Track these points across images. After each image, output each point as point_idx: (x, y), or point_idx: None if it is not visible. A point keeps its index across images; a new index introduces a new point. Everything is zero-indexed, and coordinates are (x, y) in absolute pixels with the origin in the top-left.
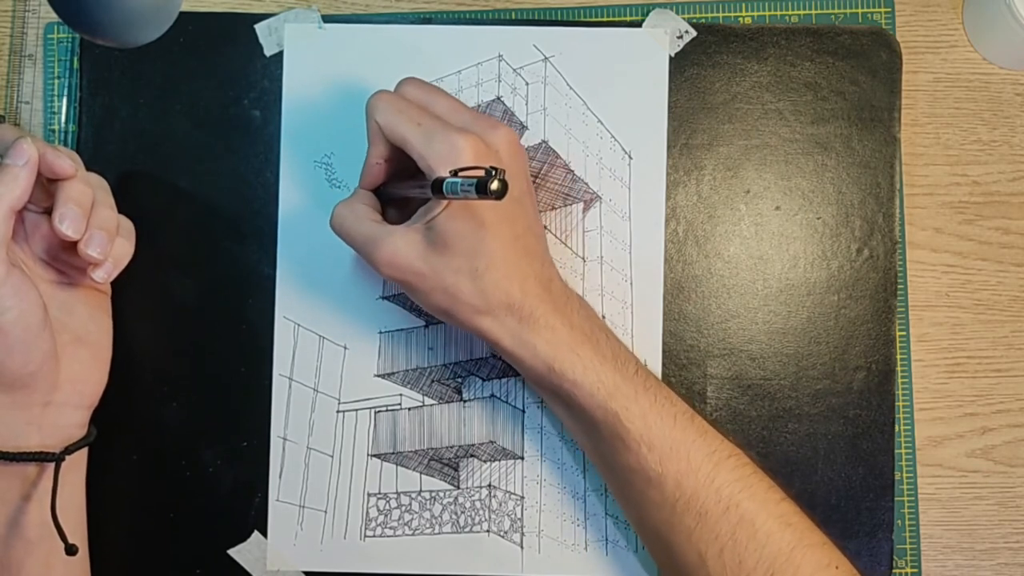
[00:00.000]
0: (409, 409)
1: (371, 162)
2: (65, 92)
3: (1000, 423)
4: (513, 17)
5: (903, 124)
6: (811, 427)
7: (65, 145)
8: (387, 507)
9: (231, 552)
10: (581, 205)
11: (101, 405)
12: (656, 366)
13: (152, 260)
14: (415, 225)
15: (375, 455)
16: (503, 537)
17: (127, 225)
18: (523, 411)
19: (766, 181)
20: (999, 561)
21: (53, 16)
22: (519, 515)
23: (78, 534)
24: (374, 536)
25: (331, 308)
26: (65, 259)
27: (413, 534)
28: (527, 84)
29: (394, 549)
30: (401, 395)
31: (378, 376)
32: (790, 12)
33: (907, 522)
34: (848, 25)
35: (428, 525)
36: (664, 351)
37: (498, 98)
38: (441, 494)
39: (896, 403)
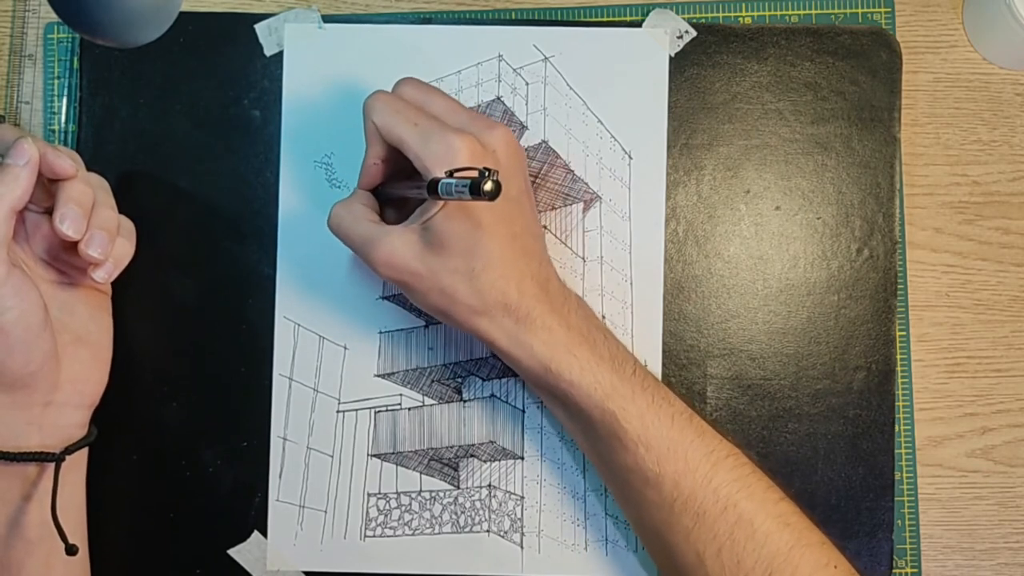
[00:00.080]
0: (409, 409)
1: (368, 162)
2: (65, 92)
3: (1000, 423)
4: (513, 17)
5: (903, 124)
6: (811, 427)
7: (65, 145)
8: (387, 507)
9: (231, 552)
10: (581, 205)
11: (101, 405)
12: (656, 366)
13: (152, 260)
14: (412, 225)
15: (375, 455)
16: (503, 537)
17: (128, 225)
18: (523, 411)
19: (766, 181)
20: (999, 561)
21: (53, 16)
22: (519, 515)
23: (78, 534)
24: (374, 536)
25: (331, 308)
26: (66, 259)
27: (413, 534)
28: (527, 84)
29: (394, 549)
30: (401, 395)
31: (378, 376)
32: (790, 12)
33: (907, 522)
34: (848, 25)
35: (428, 525)
36: (664, 351)
37: (498, 98)
38: (441, 494)
39: (896, 403)
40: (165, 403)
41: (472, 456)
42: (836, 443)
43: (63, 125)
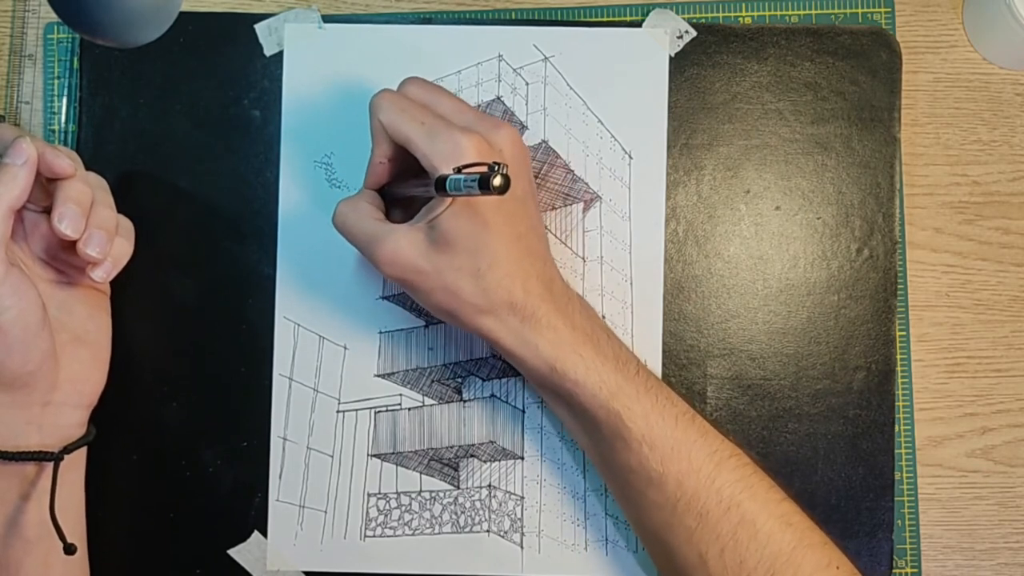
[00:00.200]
0: (409, 409)
1: (375, 161)
2: (65, 92)
3: (1000, 423)
4: (513, 17)
5: (903, 124)
6: (811, 427)
7: (65, 145)
8: (387, 507)
9: (231, 552)
10: (581, 205)
11: (101, 405)
12: (656, 366)
13: (152, 260)
14: (418, 224)
15: (375, 455)
16: (503, 537)
17: (126, 225)
18: (523, 411)
19: (766, 181)
20: (999, 561)
21: (53, 16)
22: (519, 515)
23: (77, 534)
24: (374, 536)
25: (331, 308)
26: (64, 258)
27: (413, 534)
28: (527, 84)
29: (394, 549)
30: (401, 395)
31: (378, 376)
32: (790, 12)
33: (907, 522)
34: (848, 25)
35: (428, 525)
36: (664, 351)
37: (498, 98)
38: (441, 494)
39: (896, 403)
40: (165, 403)
41: (472, 456)
42: (836, 443)
43: (63, 125)
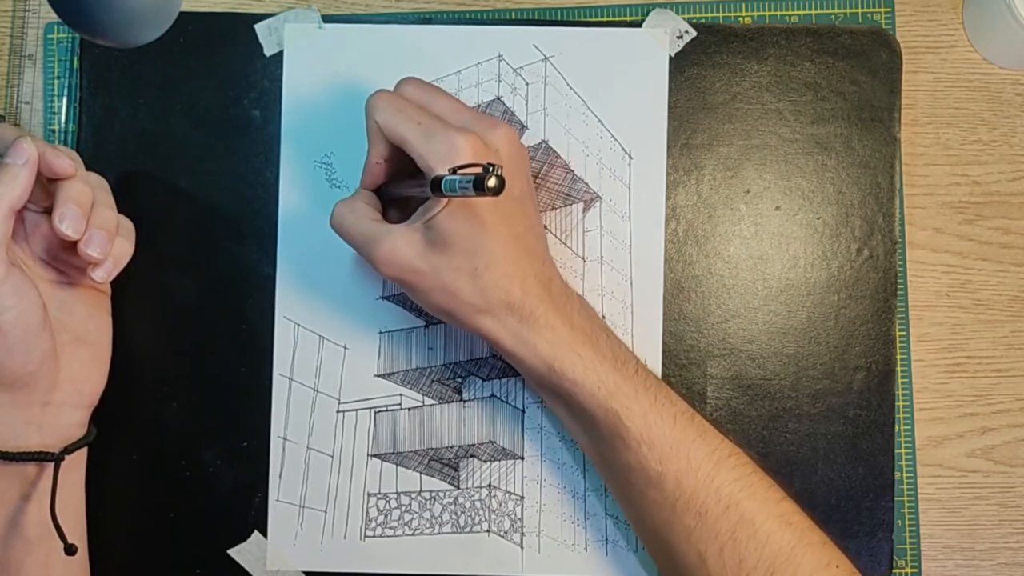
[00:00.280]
0: (409, 409)
1: (371, 162)
2: (65, 92)
3: (1000, 423)
4: (513, 17)
5: (903, 124)
6: (811, 427)
7: (65, 145)
8: (387, 507)
9: (231, 552)
10: (581, 205)
11: (101, 405)
12: (656, 366)
13: (152, 260)
14: (415, 224)
15: (375, 455)
16: (503, 537)
17: (127, 225)
18: (523, 411)
19: (766, 181)
20: (999, 561)
21: (53, 16)
22: (519, 515)
23: (77, 534)
24: (374, 536)
25: (331, 308)
26: (65, 259)
27: (413, 534)
28: (527, 84)
29: (394, 549)
30: (401, 395)
31: (378, 376)
32: (790, 12)
33: (907, 522)
34: (848, 25)
35: (428, 525)
36: (664, 351)
37: (498, 98)
38: (441, 494)
39: (896, 403)
40: (165, 403)
41: (472, 456)
42: (836, 443)
43: (63, 125)
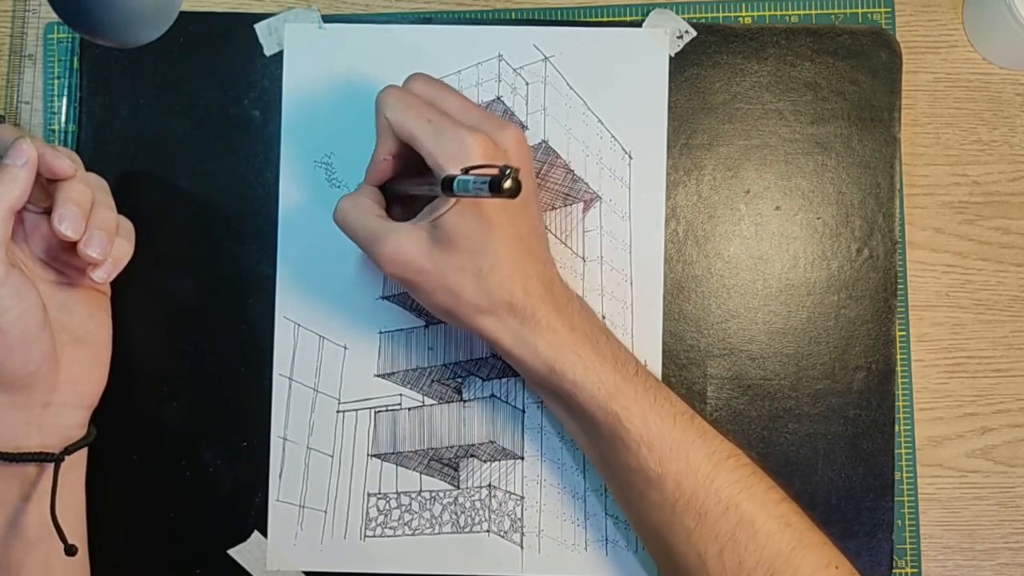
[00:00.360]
0: (409, 409)
1: (378, 158)
2: (65, 92)
3: (1000, 423)
4: (513, 17)
5: (903, 124)
6: (811, 427)
7: (65, 145)
8: (387, 507)
9: (231, 552)
10: (581, 205)
11: (101, 405)
12: (656, 366)
13: (152, 260)
14: (421, 223)
15: (375, 455)
16: (503, 537)
17: (127, 225)
18: (523, 411)
19: (766, 181)
20: (999, 561)
21: (53, 16)
22: (519, 515)
23: (78, 534)
24: (374, 536)
25: (331, 308)
26: (65, 259)
27: (413, 534)
28: (527, 84)
29: (394, 549)
30: (401, 395)
31: (378, 376)
32: (790, 12)
33: (907, 522)
34: (848, 25)
35: (428, 525)
36: (664, 351)
37: (498, 98)
38: (441, 494)
39: (896, 403)
40: (165, 403)
41: (472, 456)
42: (836, 443)
43: (63, 125)
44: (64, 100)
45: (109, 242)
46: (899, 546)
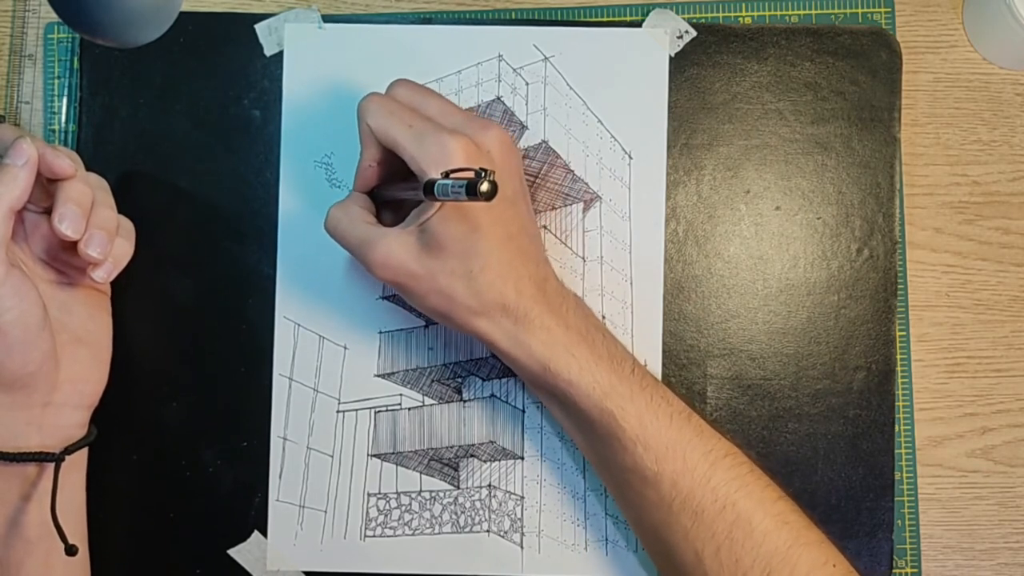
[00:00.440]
0: (409, 409)
1: (364, 165)
2: (65, 92)
3: (1000, 423)
4: (513, 17)
5: (903, 124)
6: (811, 427)
7: (65, 145)
8: (387, 507)
9: (231, 552)
10: (581, 205)
11: (101, 405)
12: (656, 366)
13: (152, 260)
14: (409, 227)
15: (375, 455)
16: (503, 537)
17: (127, 225)
18: (523, 411)
19: (766, 181)
20: (999, 561)
21: (53, 16)
22: (519, 515)
23: (78, 534)
24: (374, 536)
25: (331, 308)
26: (65, 259)
27: (413, 534)
28: (527, 84)
29: (394, 549)
30: (401, 395)
31: (378, 376)
32: (790, 12)
33: (907, 522)
34: (848, 25)
35: (428, 525)
36: (664, 351)
37: (498, 98)
38: (441, 494)
39: (896, 403)
40: (165, 403)
41: (472, 456)
42: (836, 443)
43: (63, 125)
44: (64, 100)
45: (109, 242)
46: (899, 546)
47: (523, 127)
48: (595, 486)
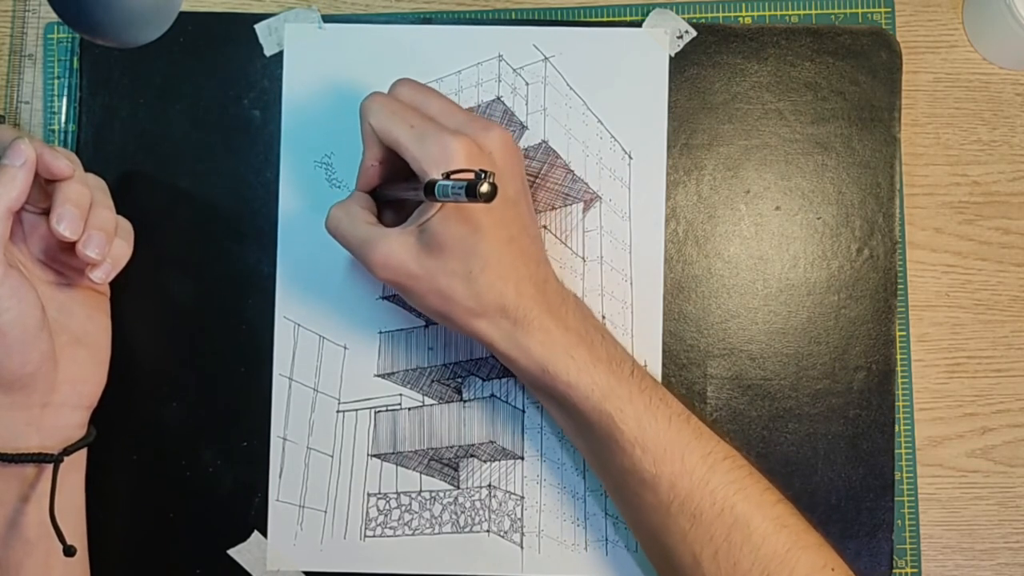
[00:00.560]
0: (409, 409)
1: (366, 164)
2: (65, 92)
3: (1000, 423)
4: (513, 17)
5: (903, 124)
6: (811, 427)
7: (65, 145)
8: (387, 507)
9: (231, 552)
10: (581, 205)
11: (101, 405)
12: (656, 366)
13: (152, 260)
14: (409, 228)
15: (375, 455)
16: (503, 537)
17: (125, 226)
18: (523, 411)
19: (766, 181)
20: (999, 561)
21: (53, 16)
22: (519, 515)
23: (77, 535)
24: (374, 536)
25: (331, 308)
26: (63, 260)
27: (413, 534)
28: (527, 84)
29: (394, 549)
30: (401, 395)
31: (378, 376)
32: (790, 12)
33: (907, 522)
34: (848, 25)
35: (428, 525)
36: (664, 351)
37: (498, 98)
38: (441, 494)
39: (896, 403)
40: (165, 403)
41: (472, 456)
42: (836, 443)
43: (63, 125)
44: (64, 100)
45: (108, 242)
46: (899, 546)
47: (523, 127)
48: (595, 486)
